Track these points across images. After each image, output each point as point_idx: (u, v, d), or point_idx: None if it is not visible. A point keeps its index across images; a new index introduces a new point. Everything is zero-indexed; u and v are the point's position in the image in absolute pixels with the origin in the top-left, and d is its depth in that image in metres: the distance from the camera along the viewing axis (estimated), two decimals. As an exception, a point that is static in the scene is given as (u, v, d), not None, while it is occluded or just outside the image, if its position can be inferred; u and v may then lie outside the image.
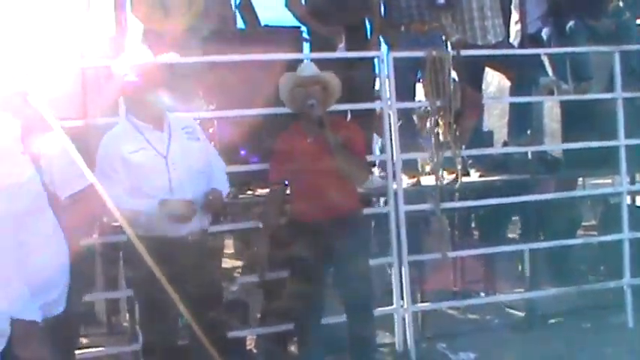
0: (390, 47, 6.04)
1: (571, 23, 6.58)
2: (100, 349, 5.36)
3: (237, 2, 6.37)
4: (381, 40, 6.08)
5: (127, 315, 6.36)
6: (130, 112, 4.04)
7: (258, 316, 5.99)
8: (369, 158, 5.38)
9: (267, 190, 5.03)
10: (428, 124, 5.60)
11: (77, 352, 5.10)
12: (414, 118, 5.85)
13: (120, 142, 3.94)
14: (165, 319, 3.90)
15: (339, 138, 4.45)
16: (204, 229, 4.12)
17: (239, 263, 9.02)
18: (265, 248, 4.71)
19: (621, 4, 7.32)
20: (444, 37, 6.00)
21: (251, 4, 6.26)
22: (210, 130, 5.55)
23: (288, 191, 4.84)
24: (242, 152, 5.60)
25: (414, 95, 6.10)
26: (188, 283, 3.81)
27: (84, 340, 6.08)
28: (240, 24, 6.37)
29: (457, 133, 5.54)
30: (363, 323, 4.73)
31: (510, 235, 9.71)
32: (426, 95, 5.57)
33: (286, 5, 5.86)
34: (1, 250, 2.47)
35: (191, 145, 4.05)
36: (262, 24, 6.23)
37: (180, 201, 3.86)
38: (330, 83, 4.72)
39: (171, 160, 3.92)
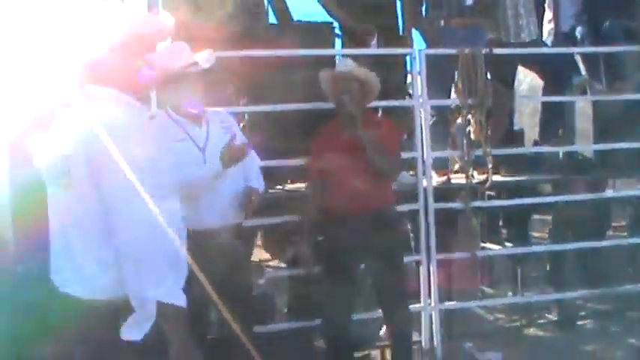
0: (429, 43, 6.00)
1: (607, 23, 6.52)
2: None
3: (270, -3, 6.37)
4: (417, 35, 6.07)
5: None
6: (170, 106, 4.04)
7: (285, 310, 6.02)
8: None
9: (306, 185, 5.07)
10: (459, 122, 5.58)
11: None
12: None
13: (160, 133, 3.95)
14: (198, 313, 3.90)
15: (372, 134, 4.44)
16: (238, 224, 4.14)
17: (266, 256, 9.08)
18: (308, 242, 4.74)
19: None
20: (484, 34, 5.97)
21: (283, -1, 6.26)
22: (242, 125, 5.55)
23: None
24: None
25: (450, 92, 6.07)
26: (221, 277, 3.82)
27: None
28: (272, 19, 6.37)
29: (488, 132, 5.51)
30: (401, 320, 4.76)
31: (537, 234, 9.72)
32: (457, 93, 5.54)
33: (319, 1, 5.86)
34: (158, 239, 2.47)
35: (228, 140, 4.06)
36: (295, 19, 6.21)
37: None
38: (368, 80, 4.70)
39: (209, 154, 3.93)
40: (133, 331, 2.44)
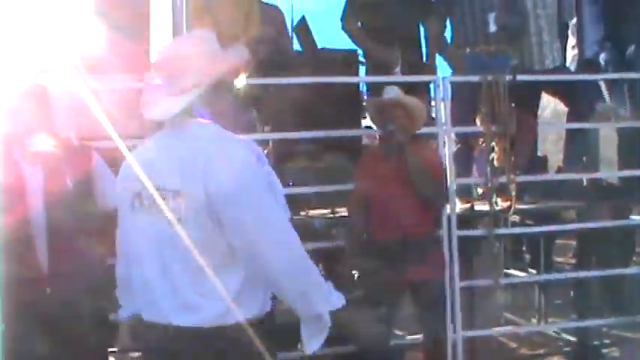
0: (455, 69, 6.02)
1: (631, 48, 6.50)
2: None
3: (294, 25, 6.41)
4: (443, 61, 6.09)
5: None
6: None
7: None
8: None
9: (348, 210, 5.11)
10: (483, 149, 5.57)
11: None
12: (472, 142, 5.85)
13: None
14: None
15: (418, 161, 4.49)
16: None
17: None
18: (352, 266, 4.82)
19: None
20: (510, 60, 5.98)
21: (308, 26, 6.29)
22: (266, 151, 5.58)
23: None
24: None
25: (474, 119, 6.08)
26: None
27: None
28: (296, 46, 6.42)
29: (512, 159, 5.50)
30: (438, 346, 4.84)
31: (561, 259, 9.65)
32: (481, 120, 5.53)
33: (343, 28, 5.89)
34: None
35: None
36: (319, 47, 6.25)
37: None
38: (414, 108, 4.74)
39: None
40: (312, 343, 2.58)
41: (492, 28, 5.73)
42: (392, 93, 4.79)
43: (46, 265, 3.53)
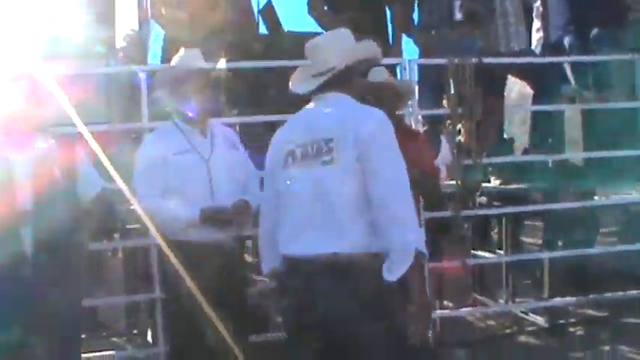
0: (422, 52, 6.04)
1: (594, 32, 6.57)
2: (121, 351, 5.43)
3: (260, 8, 6.40)
4: (411, 44, 6.12)
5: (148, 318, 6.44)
6: (178, 114, 4.07)
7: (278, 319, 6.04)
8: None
9: None
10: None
11: (97, 354, 5.23)
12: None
13: (164, 142, 3.99)
14: (198, 324, 3.93)
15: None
16: (238, 236, 4.17)
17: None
18: None
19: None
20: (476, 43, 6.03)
21: (274, 9, 6.27)
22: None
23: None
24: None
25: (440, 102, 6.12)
26: (218, 288, 3.87)
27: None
28: (262, 29, 6.41)
29: (478, 140, 5.54)
30: None
31: (528, 240, 9.76)
32: (447, 102, 5.57)
33: (309, 11, 5.88)
34: None
35: (232, 154, 4.11)
36: (285, 30, 6.24)
37: (221, 208, 3.91)
38: (402, 88, 4.75)
39: (214, 167, 3.95)
40: (392, 273, 2.92)
41: (457, 15, 5.76)
42: (380, 75, 4.78)
43: (31, 253, 3.52)
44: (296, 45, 5.57)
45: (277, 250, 3.30)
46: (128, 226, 5.80)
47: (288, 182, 3.19)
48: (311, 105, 3.33)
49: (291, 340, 3.29)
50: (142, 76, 5.01)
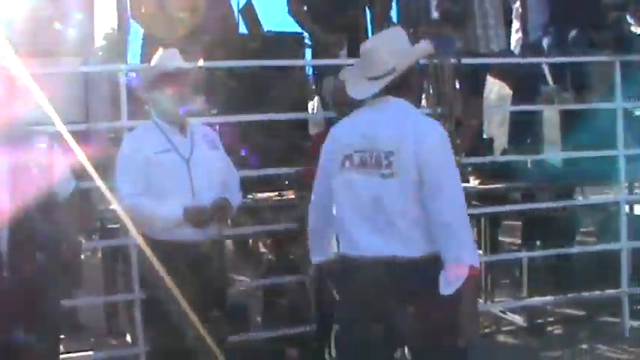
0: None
1: (573, 33, 6.62)
2: (100, 352, 5.41)
3: (240, 7, 6.39)
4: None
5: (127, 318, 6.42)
6: (158, 113, 4.06)
7: (258, 319, 6.04)
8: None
9: (299, 193, 5.17)
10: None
11: (75, 354, 5.21)
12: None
13: (145, 141, 3.98)
14: (178, 324, 3.93)
15: None
16: (219, 235, 4.16)
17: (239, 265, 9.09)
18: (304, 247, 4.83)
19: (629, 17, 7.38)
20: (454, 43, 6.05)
21: (254, 9, 6.27)
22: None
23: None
24: (243, 152, 5.56)
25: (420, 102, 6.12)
26: (200, 288, 3.88)
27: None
28: (242, 29, 6.39)
29: (457, 141, 5.55)
30: None
31: (507, 240, 9.81)
32: (427, 102, 5.58)
33: (289, 12, 5.88)
34: None
35: (212, 154, 4.10)
36: (265, 30, 6.23)
37: (202, 208, 3.91)
38: None
39: (194, 166, 3.95)
40: (448, 287, 3.03)
41: (434, 14, 5.78)
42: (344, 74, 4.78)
43: (6, 250, 3.49)
44: (276, 45, 5.70)
45: (327, 244, 3.62)
46: (109, 226, 5.79)
47: (346, 185, 3.29)
48: (368, 109, 3.35)
49: (346, 332, 3.38)
50: (121, 75, 4.98)
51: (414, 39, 5.90)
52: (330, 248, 3.64)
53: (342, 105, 4.60)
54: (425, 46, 3.52)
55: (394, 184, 3.11)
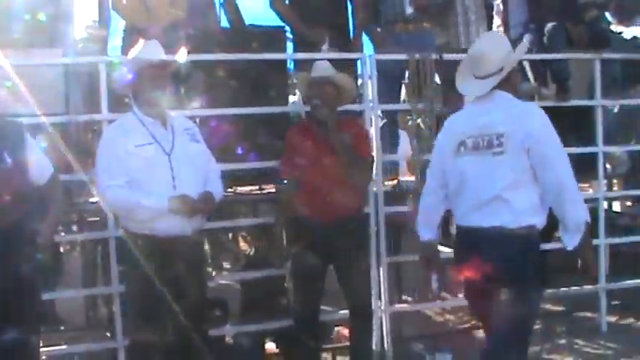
0: (376, 46, 6.06)
1: (549, 26, 6.64)
2: (79, 345, 5.39)
3: (222, 1, 6.36)
4: (367, 39, 6.12)
5: (106, 311, 6.39)
6: (138, 106, 4.04)
7: (237, 313, 6.04)
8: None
9: (277, 186, 5.22)
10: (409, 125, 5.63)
11: (54, 348, 5.18)
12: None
13: (126, 134, 3.96)
14: (159, 317, 3.93)
15: (345, 138, 4.51)
16: (200, 229, 4.16)
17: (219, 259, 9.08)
18: (279, 242, 4.94)
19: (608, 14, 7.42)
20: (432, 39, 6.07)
21: (235, 2, 6.25)
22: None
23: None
24: (240, 151, 5.54)
25: (399, 96, 6.14)
26: (181, 282, 3.88)
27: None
28: (224, 22, 6.37)
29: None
30: (363, 324, 4.91)
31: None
32: (408, 97, 5.59)
33: (270, 5, 5.87)
34: None
35: (193, 146, 4.10)
36: (246, 23, 6.21)
37: (188, 198, 3.90)
38: (343, 85, 4.79)
39: (175, 159, 3.94)
40: (571, 242, 3.54)
41: (408, 10, 5.80)
42: (319, 70, 4.80)
43: None
44: (257, 39, 5.67)
45: (435, 223, 4.12)
46: (89, 219, 5.76)
47: (461, 166, 3.79)
48: (478, 102, 3.85)
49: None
50: (102, 67, 4.95)
51: (387, 35, 5.99)
52: (438, 228, 4.18)
53: (315, 99, 4.62)
54: (523, 47, 4.14)
55: (505, 161, 3.61)
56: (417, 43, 5.78)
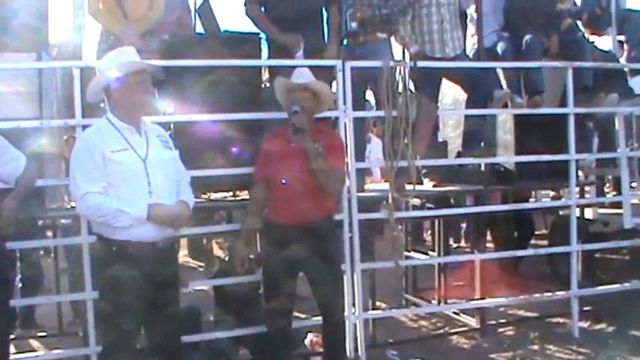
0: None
1: (527, 38, 6.71)
2: (52, 352, 5.36)
3: (197, 7, 6.37)
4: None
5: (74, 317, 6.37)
6: (115, 112, 4.02)
7: (210, 319, 6.04)
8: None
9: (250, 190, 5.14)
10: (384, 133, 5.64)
11: (26, 355, 5.15)
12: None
13: (102, 139, 3.92)
14: (131, 324, 3.92)
15: (319, 146, 4.52)
16: (174, 237, 4.14)
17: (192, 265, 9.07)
18: (243, 248, 4.88)
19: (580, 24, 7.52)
20: (397, 47, 6.11)
21: (211, 9, 6.25)
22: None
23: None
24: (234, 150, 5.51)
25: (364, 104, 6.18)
26: (154, 288, 3.87)
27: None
28: (199, 29, 6.38)
29: (412, 143, 5.59)
30: (336, 330, 4.88)
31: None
32: (381, 104, 5.59)
33: (246, 12, 5.87)
34: None
35: (167, 154, 4.09)
36: (222, 30, 6.22)
37: (167, 207, 3.91)
38: (321, 92, 4.81)
39: (150, 165, 3.93)
40: None
41: (352, 25, 5.85)
42: (298, 77, 4.82)
43: None
44: (232, 45, 5.67)
45: None
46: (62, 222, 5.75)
47: None
48: None
49: None
50: (76, 72, 4.93)
51: (346, 49, 6.04)
52: None
53: (294, 105, 4.64)
54: None
55: None
56: (371, 54, 5.81)
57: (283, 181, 4.57)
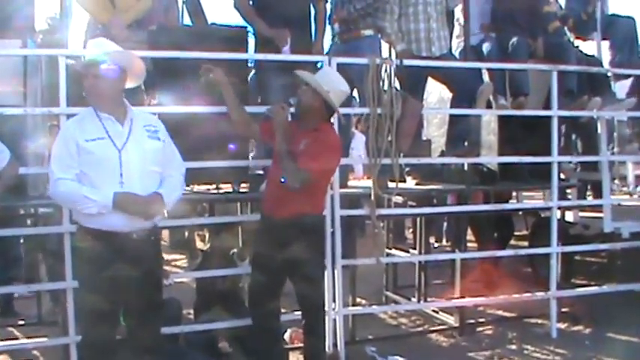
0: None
1: (514, 40, 6.74)
2: (31, 340, 5.35)
3: (185, -1, 6.35)
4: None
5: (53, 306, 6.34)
6: (93, 102, 4.00)
7: (190, 313, 6.03)
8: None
9: None
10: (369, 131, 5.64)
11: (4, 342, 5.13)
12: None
13: (79, 128, 3.92)
14: (109, 314, 3.92)
15: (285, 145, 4.55)
16: (151, 227, 4.10)
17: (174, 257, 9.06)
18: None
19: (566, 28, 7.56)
20: (383, 45, 6.12)
21: (198, 1, 6.24)
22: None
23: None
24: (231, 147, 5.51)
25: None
26: (132, 279, 3.86)
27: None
28: (187, 21, 6.36)
29: (396, 141, 5.60)
30: (316, 325, 4.92)
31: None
32: (367, 103, 5.60)
33: (234, 5, 5.86)
34: None
35: (149, 144, 4.04)
36: (209, 22, 6.20)
37: (133, 196, 3.88)
38: (317, 90, 4.76)
39: (126, 156, 3.90)
40: None
41: (334, 27, 5.92)
42: (324, 75, 4.87)
43: None
44: (219, 38, 5.65)
45: None
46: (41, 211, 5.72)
47: None
48: None
49: None
50: (62, 60, 4.90)
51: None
52: None
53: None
54: None
55: None
56: (356, 51, 5.84)
57: (282, 180, 4.56)
